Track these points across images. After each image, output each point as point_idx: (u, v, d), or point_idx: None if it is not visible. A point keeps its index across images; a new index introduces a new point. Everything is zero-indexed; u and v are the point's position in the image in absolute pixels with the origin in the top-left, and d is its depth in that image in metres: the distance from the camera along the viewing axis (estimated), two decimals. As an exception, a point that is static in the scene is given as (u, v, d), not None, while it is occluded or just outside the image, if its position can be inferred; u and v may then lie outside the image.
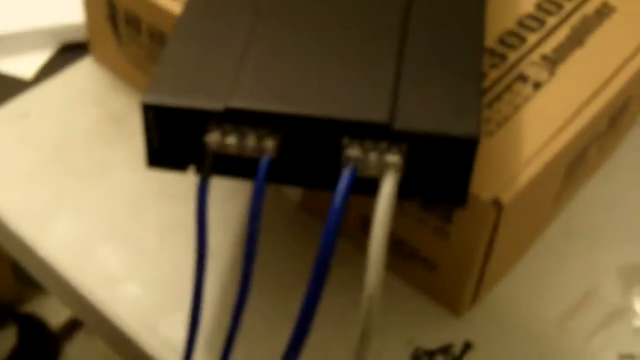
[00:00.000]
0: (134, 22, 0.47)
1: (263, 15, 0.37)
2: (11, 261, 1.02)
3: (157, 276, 0.42)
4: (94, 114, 0.50)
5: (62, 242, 0.43)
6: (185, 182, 0.46)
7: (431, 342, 0.41)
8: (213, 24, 0.37)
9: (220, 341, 0.39)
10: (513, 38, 0.42)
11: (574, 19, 0.43)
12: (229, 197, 0.45)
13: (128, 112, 0.50)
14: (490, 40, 0.42)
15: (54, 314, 1.05)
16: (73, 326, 1.05)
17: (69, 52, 0.54)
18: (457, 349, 0.40)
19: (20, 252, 0.45)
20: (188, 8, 0.38)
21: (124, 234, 0.44)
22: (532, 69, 0.41)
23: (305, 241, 0.44)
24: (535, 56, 0.41)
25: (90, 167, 0.47)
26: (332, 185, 0.34)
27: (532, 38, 0.42)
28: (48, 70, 0.53)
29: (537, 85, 0.40)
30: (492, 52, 0.41)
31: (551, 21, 0.43)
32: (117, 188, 0.46)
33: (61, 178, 0.46)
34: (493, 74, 0.40)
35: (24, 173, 0.47)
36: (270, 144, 0.34)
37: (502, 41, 0.42)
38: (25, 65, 0.53)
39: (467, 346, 0.41)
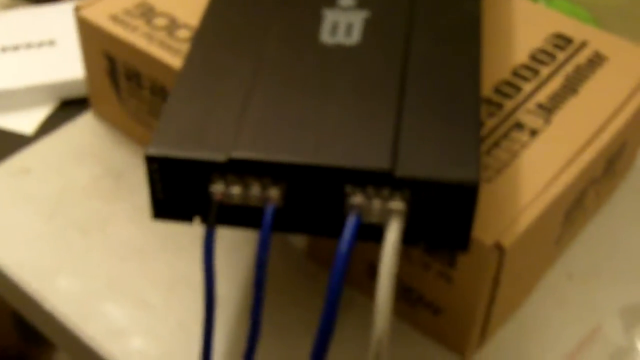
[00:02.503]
0: (134, 76, 0.48)
1: (264, 67, 0.38)
2: (12, 314, 1.01)
3: (163, 329, 0.42)
4: (94, 168, 0.50)
5: (67, 296, 0.44)
6: (185, 234, 0.46)
7: (438, 386, 0.41)
8: (214, 76, 0.38)
9: (226, 391, 0.39)
10: (509, 87, 0.43)
11: (568, 69, 0.45)
12: (234, 247, 0.46)
13: (129, 166, 0.50)
14: (487, 90, 0.43)
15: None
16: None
17: (69, 107, 0.54)
18: (462, 395, 0.41)
19: (26, 306, 0.45)
20: (189, 61, 0.39)
21: (128, 288, 0.44)
22: (528, 117, 0.42)
23: (312, 289, 0.44)
24: (530, 105, 0.42)
25: (92, 221, 0.47)
26: (337, 233, 0.34)
27: (527, 87, 0.43)
28: (49, 126, 0.53)
29: (534, 133, 0.41)
30: (489, 101, 0.42)
31: (545, 71, 0.44)
32: (119, 242, 0.46)
33: (63, 232, 0.47)
34: (490, 122, 0.41)
35: (26, 227, 0.47)
36: (274, 193, 0.34)
37: (498, 90, 0.43)
38: (26, 121, 0.53)
39: (472, 391, 0.41)
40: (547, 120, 0.42)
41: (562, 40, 0.46)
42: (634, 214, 0.49)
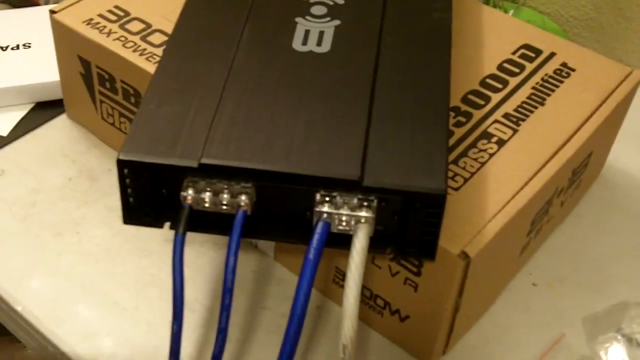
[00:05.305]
0: (107, 80, 0.48)
1: (236, 73, 0.38)
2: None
3: (133, 331, 0.42)
4: (68, 170, 0.51)
5: (38, 298, 0.44)
6: (156, 236, 0.47)
7: (403, 391, 0.42)
8: (187, 82, 0.38)
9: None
10: (477, 97, 0.44)
11: (535, 79, 0.45)
12: (204, 251, 0.46)
13: (102, 169, 0.51)
14: (456, 100, 0.43)
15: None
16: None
17: (44, 109, 0.55)
18: (427, 399, 0.41)
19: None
20: (162, 66, 0.39)
21: (99, 289, 0.44)
22: (496, 127, 0.42)
23: (280, 293, 0.44)
24: (498, 115, 0.43)
25: (65, 222, 0.47)
26: (305, 241, 0.34)
27: (495, 97, 0.44)
28: (24, 127, 0.53)
29: (501, 142, 0.41)
30: (458, 111, 0.43)
31: (513, 82, 0.45)
32: (92, 243, 0.46)
33: (36, 234, 0.47)
34: (458, 132, 0.42)
35: (-2, 229, 0.47)
36: (244, 199, 0.34)
37: (466, 100, 0.43)
38: (1, 122, 0.53)
39: (438, 396, 0.41)
40: (515, 130, 0.42)
41: (530, 52, 0.47)
42: (599, 224, 0.49)
